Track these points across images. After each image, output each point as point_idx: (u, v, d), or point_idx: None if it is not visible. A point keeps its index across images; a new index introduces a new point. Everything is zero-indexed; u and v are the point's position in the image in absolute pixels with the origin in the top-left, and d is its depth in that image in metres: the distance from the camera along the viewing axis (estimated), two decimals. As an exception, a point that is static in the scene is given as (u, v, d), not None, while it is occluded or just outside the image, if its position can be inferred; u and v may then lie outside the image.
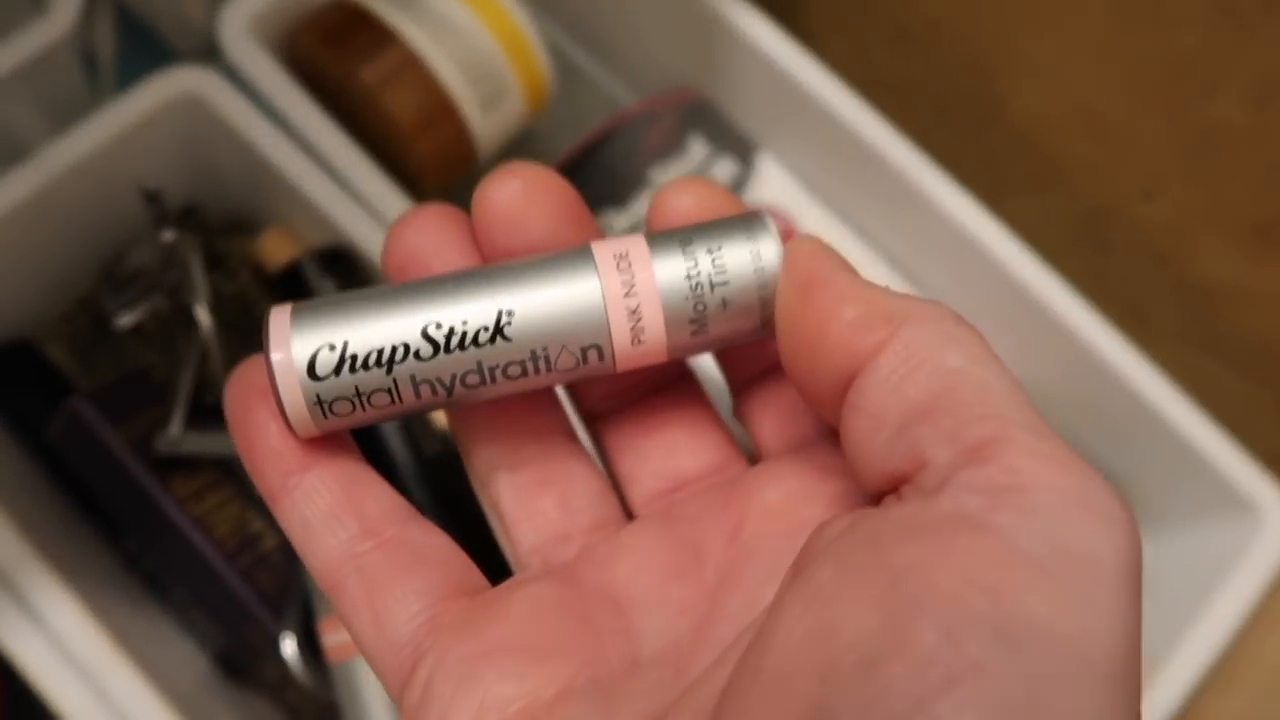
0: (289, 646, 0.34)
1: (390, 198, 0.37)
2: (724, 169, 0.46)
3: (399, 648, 0.17)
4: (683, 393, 0.19)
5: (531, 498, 0.18)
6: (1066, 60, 0.43)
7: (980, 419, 0.14)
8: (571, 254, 0.17)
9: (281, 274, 0.38)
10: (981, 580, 0.12)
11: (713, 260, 0.16)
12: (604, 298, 0.16)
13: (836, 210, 0.46)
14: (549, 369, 0.17)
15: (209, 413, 0.37)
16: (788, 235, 0.17)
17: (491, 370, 0.16)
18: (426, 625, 0.17)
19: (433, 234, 0.17)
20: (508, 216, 0.17)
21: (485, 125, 0.42)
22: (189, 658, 0.37)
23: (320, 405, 0.16)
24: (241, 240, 0.41)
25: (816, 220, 0.46)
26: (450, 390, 0.16)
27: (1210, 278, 0.43)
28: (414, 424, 0.35)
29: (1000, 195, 0.42)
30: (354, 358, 0.16)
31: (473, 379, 0.16)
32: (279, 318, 0.16)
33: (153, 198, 0.37)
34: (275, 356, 0.16)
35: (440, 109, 0.40)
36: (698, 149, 0.46)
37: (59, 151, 0.36)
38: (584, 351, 0.17)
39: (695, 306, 0.16)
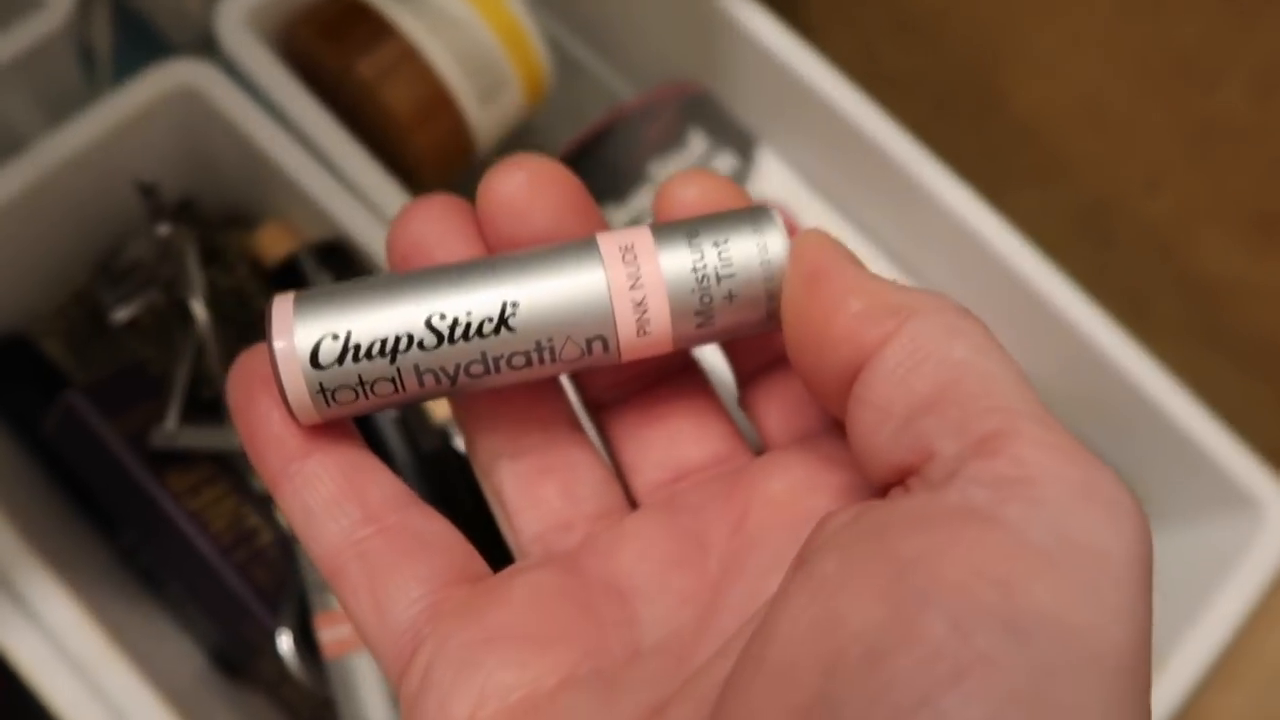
0: (285, 642, 0.34)
1: (388, 191, 0.37)
2: (724, 163, 0.46)
3: (399, 634, 0.16)
4: (687, 383, 0.19)
5: (534, 486, 0.18)
6: (1069, 52, 0.43)
7: (987, 411, 0.14)
8: (577, 245, 0.17)
9: (279, 268, 0.38)
10: (990, 572, 0.12)
11: (719, 252, 0.16)
12: (609, 289, 0.16)
13: (837, 204, 0.46)
14: (553, 360, 0.17)
15: (205, 407, 0.37)
16: (790, 229, 0.17)
17: (496, 361, 0.16)
18: (427, 612, 0.16)
19: (437, 224, 0.17)
20: (513, 207, 0.17)
21: (483, 118, 0.41)
22: (185, 653, 0.37)
23: (323, 393, 0.16)
24: (239, 234, 0.41)
25: (817, 214, 0.46)
26: (454, 380, 0.16)
27: (1212, 271, 0.43)
28: (411, 419, 0.35)
29: (1002, 188, 0.42)
30: (357, 347, 0.16)
31: (477, 369, 0.16)
32: (282, 306, 0.16)
33: (149, 191, 0.37)
34: (278, 345, 0.16)
35: (438, 102, 0.40)
36: (697, 143, 0.46)
37: (55, 144, 0.36)
38: (589, 343, 0.16)
39: (701, 299, 0.16)
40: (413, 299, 0.16)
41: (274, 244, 0.39)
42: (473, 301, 0.16)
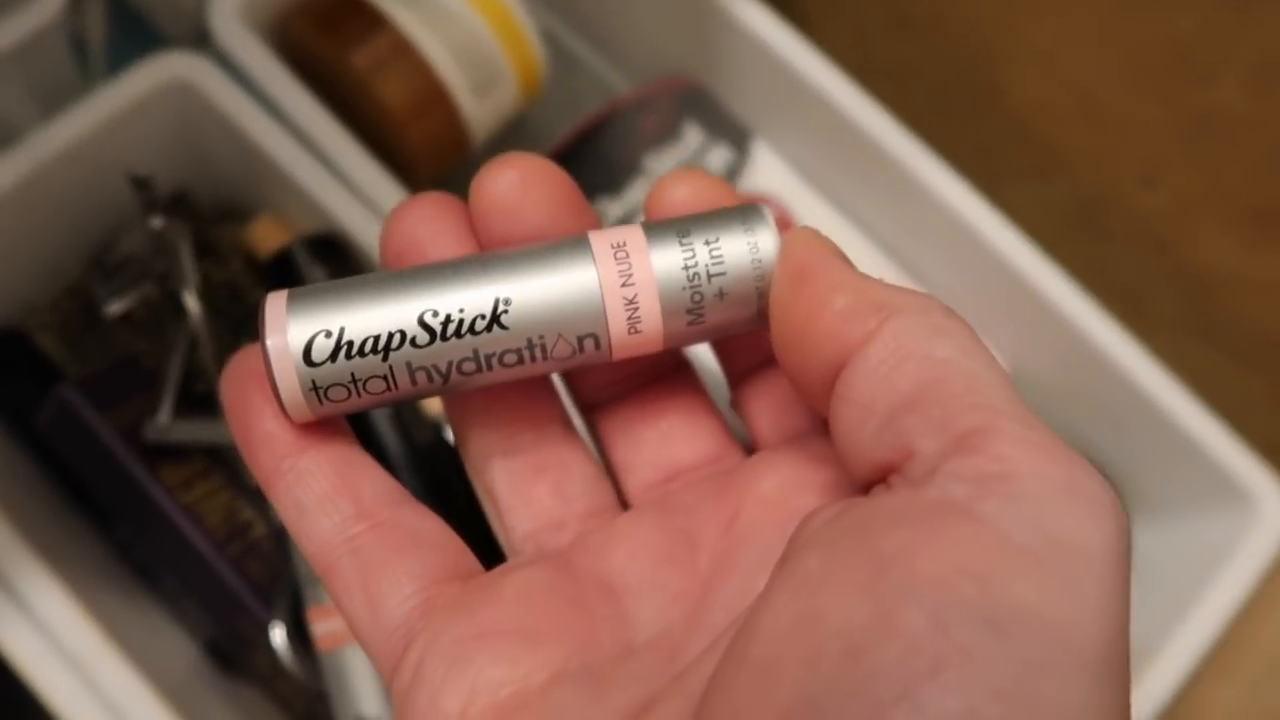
0: (279, 635, 0.34)
1: (382, 184, 0.37)
2: (719, 156, 0.46)
3: (392, 630, 0.17)
4: (679, 383, 0.19)
5: (526, 484, 0.18)
6: (1065, 46, 0.43)
7: (969, 409, 0.14)
8: (569, 243, 0.17)
9: (272, 261, 0.38)
10: (969, 567, 0.12)
11: (710, 251, 0.16)
12: (601, 287, 0.16)
13: (832, 198, 0.46)
14: (545, 357, 0.17)
15: (199, 401, 0.37)
16: (783, 224, 0.17)
17: (488, 358, 0.16)
18: (420, 608, 0.17)
19: (430, 222, 0.18)
20: (505, 206, 0.17)
21: (478, 111, 0.41)
22: (179, 647, 0.37)
23: (316, 391, 0.16)
24: (232, 227, 0.41)
25: (812, 208, 0.46)
26: (446, 377, 0.16)
27: (1208, 265, 0.43)
28: (406, 413, 0.35)
29: (998, 183, 0.42)
30: (350, 344, 0.16)
31: (469, 366, 0.16)
32: (275, 303, 0.16)
33: (142, 184, 0.37)
34: (271, 342, 0.16)
35: (433, 95, 0.40)
36: (693, 136, 0.45)
37: (48, 137, 0.36)
38: (580, 340, 0.17)
39: (692, 297, 0.17)
40: (405, 296, 0.16)
41: (268, 237, 0.39)
42: (465, 299, 0.16)
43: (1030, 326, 0.41)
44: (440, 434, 0.35)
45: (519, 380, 0.17)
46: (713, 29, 0.43)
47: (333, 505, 0.17)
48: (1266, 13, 0.37)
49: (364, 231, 0.36)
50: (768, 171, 0.46)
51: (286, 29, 0.40)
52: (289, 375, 0.16)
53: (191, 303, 0.37)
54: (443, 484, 0.34)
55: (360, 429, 0.18)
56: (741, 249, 0.16)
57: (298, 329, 0.16)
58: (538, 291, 0.16)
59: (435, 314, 0.16)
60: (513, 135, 0.44)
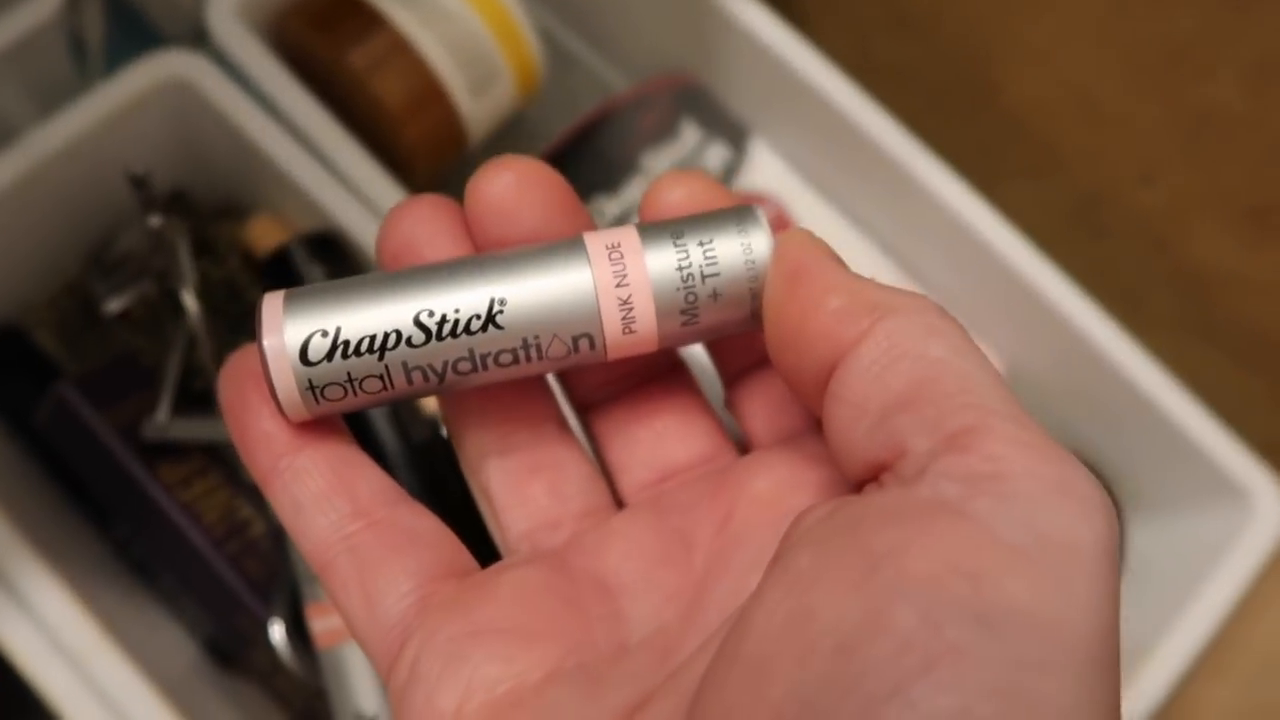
0: (277, 632, 0.34)
1: (380, 183, 0.37)
2: (716, 154, 0.46)
3: (388, 628, 0.17)
4: (674, 383, 0.19)
5: (522, 484, 0.18)
6: (1063, 45, 0.43)
7: (961, 408, 0.14)
8: (564, 244, 0.17)
9: (270, 259, 0.38)
10: (960, 565, 0.12)
11: (704, 251, 0.17)
12: (596, 287, 0.16)
13: (829, 196, 0.46)
14: (540, 357, 0.17)
15: (197, 399, 0.37)
16: (780, 223, 0.17)
17: (483, 358, 0.16)
18: (416, 605, 0.17)
19: (427, 224, 0.18)
20: (500, 208, 0.17)
21: (475, 109, 0.41)
22: (178, 644, 0.37)
23: (312, 390, 0.16)
24: (230, 225, 0.41)
25: (809, 206, 0.46)
26: (442, 377, 0.16)
27: (1206, 264, 0.43)
28: (403, 411, 0.35)
29: (995, 181, 0.42)
30: (346, 344, 0.16)
31: (464, 366, 0.16)
32: (272, 303, 0.16)
33: (140, 182, 0.37)
34: (267, 342, 0.16)
35: (430, 93, 0.40)
36: (690, 134, 0.45)
37: (46, 135, 0.36)
38: (575, 340, 0.17)
39: (686, 297, 0.17)
40: (401, 296, 0.16)
41: (265, 235, 0.39)
42: (461, 299, 0.16)
43: (1028, 325, 0.41)
44: (437, 432, 0.35)
45: (514, 380, 0.17)
46: (710, 27, 0.43)
47: (329, 504, 0.17)
48: (1265, 11, 0.37)
49: (361, 230, 0.36)
50: (765, 170, 0.46)
51: (284, 27, 0.40)
52: (285, 375, 0.16)
53: (189, 301, 0.37)
54: (439, 482, 0.34)
55: (357, 427, 0.18)
56: (735, 250, 0.17)
57: (294, 329, 0.16)
58: (533, 292, 0.16)
59: (431, 314, 0.16)
60: (510, 133, 0.44)
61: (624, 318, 0.17)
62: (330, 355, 0.16)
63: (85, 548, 0.37)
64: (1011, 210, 0.41)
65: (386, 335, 0.16)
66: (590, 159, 0.44)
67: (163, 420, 0.36)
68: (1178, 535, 0.41)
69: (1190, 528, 0.41)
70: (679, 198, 0.18)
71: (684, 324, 0.17)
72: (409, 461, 0.34)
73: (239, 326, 0.39)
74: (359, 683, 0.33)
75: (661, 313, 0.17)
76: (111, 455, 0.35)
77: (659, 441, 0.19)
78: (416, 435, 0.35)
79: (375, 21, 0.39)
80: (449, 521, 0.18)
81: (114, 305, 0.38)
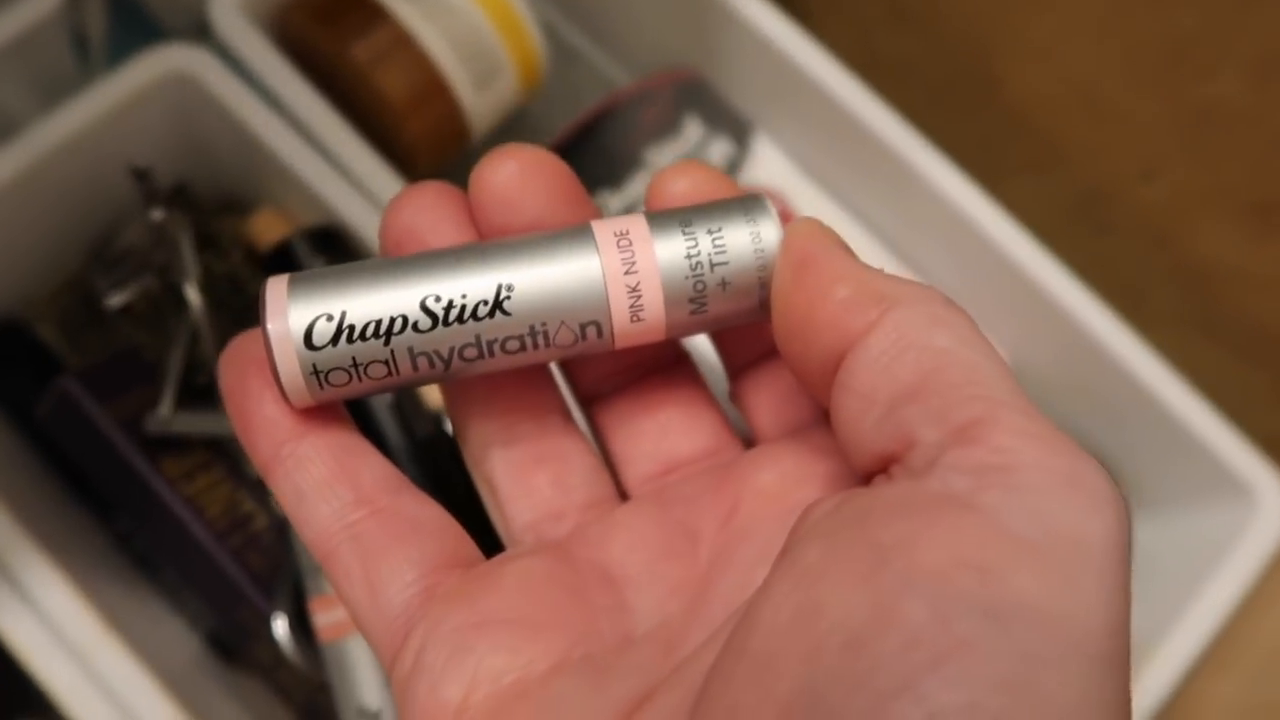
0: (280, 626, 0.34)
1: (382, 177, 0.37)
2: (719, 149, 0.46)
3: (392, 617, 0.17)
4: (679, 375, 0.19)
5: (526, 474, 0.18)
6: (1065, 40, 0.43)
7: (969, 400, 0.14)
8: (572, 231, 0.17)
9: (272, 253, 0.38)
10: (969, 559, 0.12)
11: (713, 240, 0.16)
12: (604, 274, 0.16)
13: (832, 191, 0.46)
14: (547, 345, 0.17)
15: (200, 393, 0.37)
16: (784, 217, 0.17)
17: (490, 344, 0.16)
18: (420, 595, 0.17)
19: (430, 211, 0.17)
20: (504, 197, 0.17)
21: (478, 104, 0.41)
22: (180, 637, 0.37)
23: (316, 375, 0.16)
24: (233, 220, 0.41)
25: (812, 201, 0.46)
26: (448, 363, 0.16)
27: (1209, 260, 0.43)
28: (406, 405, 0.35)
29: (998, 176, 0.42)
30: (351, 328, 0.16)
31: (470, 352, 0.16)
32: (276, 287, 0.16)
33: (142, 176, 0.37)
34: (271, 325, 0.16)
35: (432, 87, 0.40)
36: (693, 129, 0.45)
37: (48, 129, 0.35)
38: (583, 328, 0.16)
39: (695, 286, 0.16)
40: (408, 281, 0.16)
41: (268, 230, 0.39)
42: (468, 284, 0.16)
43: (1030, 321, 0.41)
44: (440, 426, 0.35)
45: (519, 369, 0.17)
46: (713, 22, 0.43)
47: (332, 491, 0.17)
48: (1266, 7, 0.37)
49: (364, 224, 0.36)
50: (768, 165, 0.46)
51: (286, 21, 0.40)
52: (290, 359, 0.16)
53: (192, 295, 0.37)
54: (442, 476, 0.34)
55: (359, 420, 0.18)
56: (744, 239, 0.16)
57: (299, 313, 0.16)
58: (540, 278, 0.16)
59: (438, 299, 0.16)
60: (513, 128, 0.44)
61: (632, 306, 0.16)
62: (335, 340, 0.16)
63: (87, 541, 0.37)
64: (1013, 205, 0.41)
65: (393, 320, 0.16)
66: (593, 154, 0.44)
67: (165, 414, 0.36)
68: (1181, 531, 0.41)
69: (1194, 524, 0.41)
70: (684, 188, 0.18)
71: (692, 313, 0.17)
72: (412, 456, 0.34)
73: (242, 321, 0.39)
74: (362, 677, 0.33)
75: (670, 301, 0.17)
76: (114, 449, 0.35)
77: (663, 434, 0.19)
78: (419, 430, 0.35)
79: (378, 15, 0.39)
80: (454, 517, 0.18)
81: (116, 299, 0.38)
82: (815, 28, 0.42)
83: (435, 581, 0.17)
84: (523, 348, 0.16)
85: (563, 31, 0.48)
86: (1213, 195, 0.42)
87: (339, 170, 0.37)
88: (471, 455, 0.19)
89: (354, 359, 0.16)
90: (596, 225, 0.17)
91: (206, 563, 0.34)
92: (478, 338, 0.16)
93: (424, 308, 0.16)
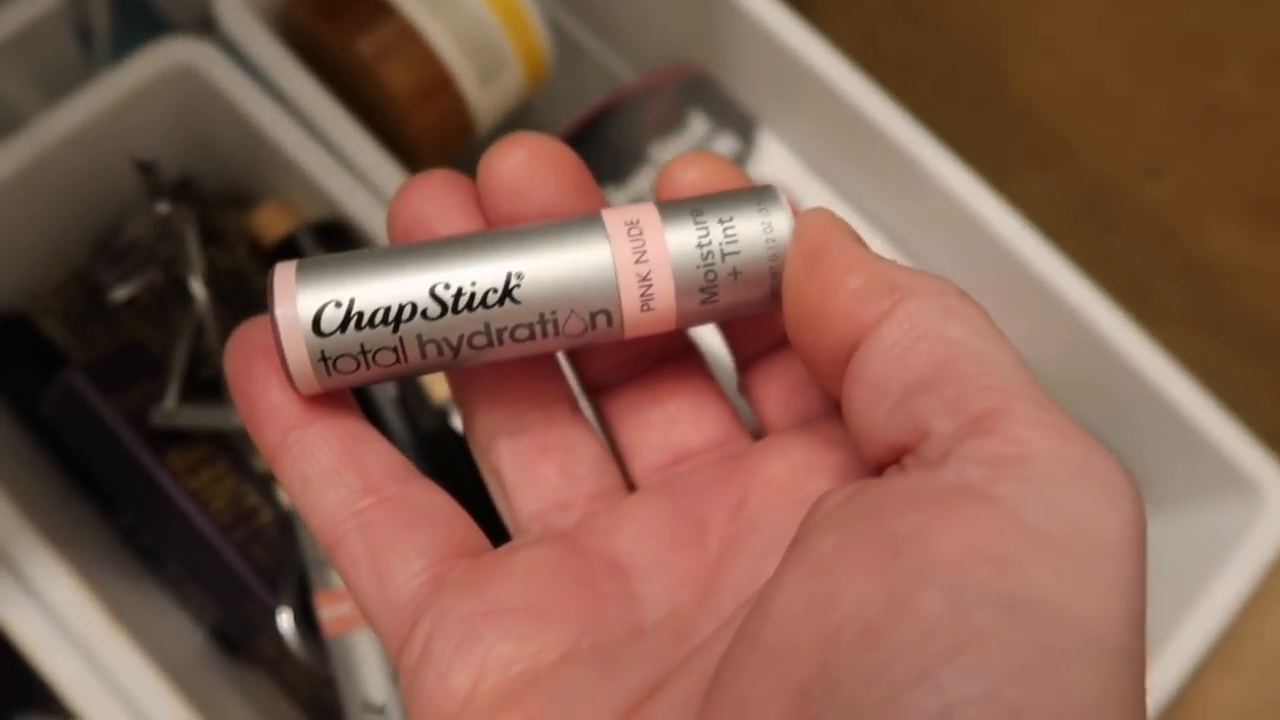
0: (285, 620, 0.34)
1: (387, 170, 0.37)
2: (724, 145, 0.45)
3: (400, 606, 0.16)
4: (687, 366, 0.19)
5: (533, 464, 0.18)
6: (1070, 36, 0.43)
7: (983, 390, 0.14)
8: (582, 219, 0.17)
9: (277, 247, 0.38)
10: (985, 550, 0.12)
11: (724, 230, 0.16)
12: (615, 263, 0.16)
13: (838, 187, 0.46)
14: (556, 333, 0.16)
15: (205, 386, 0.37)
16: (791, 211, 0.17)
17: (499, 332, 0.16)
18: (428, 584, 0.16)
19: (438, 200, 0.17)
20: (513, 185, 0.17)
21: (483, 98, 0.41)
22: (185, 631, 0.37)
23: (324, 362, 0.16)
24: (238, 214, 0.41)
25: (817, 197, 0.46)
26: (456, 351, 0.16)
27: (1214, 256, 0.43)
28: (411, 398, 0.35)
29: (1003, 173, 0.42)
30: (360, 315, 0.16)
31: (479, 340, 0.16)
32: (284, 273, 0.16)
33: (147, 169, 0.37)
34: (280, 311, 0.16)
35: (437, 81, 0.40)
36: (698, 125, 0.45)
37: (53, 123, 0.35)
38: (593, 316, 0.16)
39: (706, 275, 0.16)
40: (417, 268, 0.16)
41: (273, 223, 0.39)
42: (477, 272, 0.16)
43: (1036, 317, 0.41)
44: (446, 420, 0.35)
45: (527, 358, 0.17)
46: (718, 17, 0.43)
47: (339, 479, 0.17)
48: (1272, 2, 0.37)
49: (369, 218, 0.36)
50: (773, 161, 0.46)
51: (291, 15, 0.40)
52: (298, 345, 0.16)
53: (197, 289, 0.37)
54: (448, 470, 0.34)
55: (365, 414, 0.18)
56: (756, 229, 0.16)
57: (307, 299, 0.16)
58: (550, 266, 0.16)
59: (447, 286, 0.16)
60: (517, 123, 0.44)
61: (643, 295, 0.16)
62: (344, 326, 0.16)
63: (92, 535, 0.37)
64: (1019, 202, 0.41)
65: (401, 307, 0.16)
66: (598, 149, 0.44)
67: (170, 407, 0.36)
68: (1187, 528, 0.41)
69: (1199, 521, 0.41)
70: (694, 178, 0.17)
71: (703, 302, 0.17)
72: (417, 450, 0.34)
73: (246, 314, 0.38)
74: (367, 671, 0.33)
75: (681, 290, 0.16)
76: (119, 442, 0.35)
77: (671, 424, 0.19)
78: (425, 424, 0.35)
79: (383, 9, 0.39)
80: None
81: (121, 293, 0.38)
82: (820, 23, 0.42)
83: (443, 570, 0.17)
84: (532, 336, 0.16)
85: (568, 26, 0.48)
86: (1218, 192, 0.42)
87: (343, 164, 0.37)
88: (478, 445, 0.19)
89: (362, 346, 0.16)
90: (607, 214, 0.17)
91: (211, 556, 0.34)
92: (487, 326, 0.16)
93: (433, 295, 0.16)
